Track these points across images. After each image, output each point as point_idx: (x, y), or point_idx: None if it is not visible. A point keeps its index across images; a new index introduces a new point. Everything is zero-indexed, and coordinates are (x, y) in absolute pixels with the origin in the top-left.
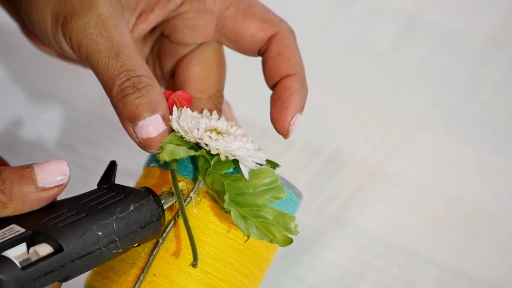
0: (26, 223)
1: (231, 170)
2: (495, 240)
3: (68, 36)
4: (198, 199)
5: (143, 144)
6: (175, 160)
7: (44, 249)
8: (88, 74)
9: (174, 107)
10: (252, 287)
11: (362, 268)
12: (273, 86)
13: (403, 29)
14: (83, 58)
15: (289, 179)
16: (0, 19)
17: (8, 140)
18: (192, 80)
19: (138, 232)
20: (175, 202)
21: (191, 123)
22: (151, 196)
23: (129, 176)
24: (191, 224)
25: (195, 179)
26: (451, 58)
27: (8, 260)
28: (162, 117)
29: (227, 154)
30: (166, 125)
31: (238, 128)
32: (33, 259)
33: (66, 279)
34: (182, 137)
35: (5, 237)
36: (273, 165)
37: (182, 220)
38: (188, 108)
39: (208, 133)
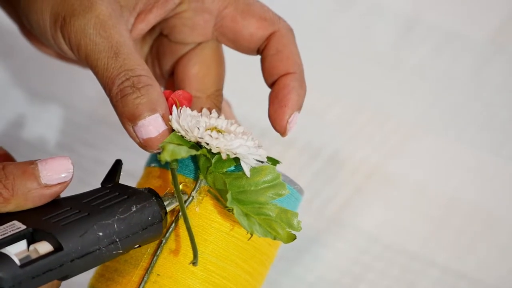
0: (28, 220)
1: (232, 168)
2: (495, 241)
3: (67, 37)
4: (200, 198)
5: (144, 144)
6: (176, 160)
7: (44, 247)
8: (87, 75)
9: (174, 107)
10: (256, 284)
11: (362, 269)
12: (271, 85)
13: (403, 29)
14: (82, 58)
15: None
16: (0, 19)
17: (8, 140)
18: (191, 79)
19: (139, 233)
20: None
21: (191, 122)
22: (154, 198)
23: (129, 177)
24: (193, 223)
25: (196, 178)
26: (451, 58)
27: (7, 257)
28: (162, 117)
29: (228, 152)
30: (166, 124)
31: (238, 126)
32: (33, 257)
33: (65, 278)
34: (183, 137)
35: (6, 233)
36: (274, 162)
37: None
38: (188, 108)
39: (209, 132)
